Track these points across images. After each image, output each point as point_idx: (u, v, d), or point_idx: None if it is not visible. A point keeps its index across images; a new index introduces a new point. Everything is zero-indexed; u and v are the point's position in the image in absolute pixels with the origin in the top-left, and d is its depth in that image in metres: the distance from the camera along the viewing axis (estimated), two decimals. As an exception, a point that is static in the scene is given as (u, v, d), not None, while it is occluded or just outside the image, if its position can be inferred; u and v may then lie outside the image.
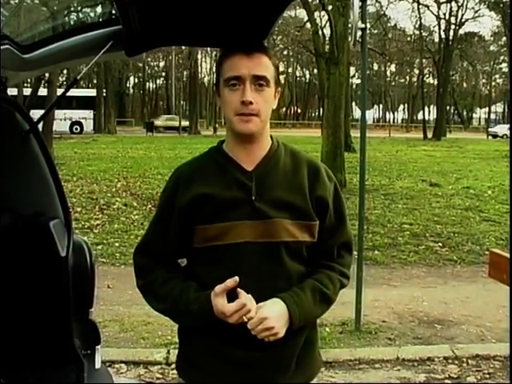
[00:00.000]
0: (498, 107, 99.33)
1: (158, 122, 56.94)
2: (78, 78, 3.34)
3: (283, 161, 2.23)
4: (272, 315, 2.05)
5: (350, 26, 14.32)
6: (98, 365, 3.42)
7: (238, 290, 2.05)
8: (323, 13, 21.83)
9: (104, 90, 54.83)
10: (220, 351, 2.19)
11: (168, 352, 5.37)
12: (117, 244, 10.19)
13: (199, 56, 66.51)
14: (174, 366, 5.05)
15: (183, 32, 2.60)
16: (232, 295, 2.06)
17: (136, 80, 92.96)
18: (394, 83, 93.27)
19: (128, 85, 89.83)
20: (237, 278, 2.04)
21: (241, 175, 2.17)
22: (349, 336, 6.04)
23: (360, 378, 5.17)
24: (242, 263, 2.12)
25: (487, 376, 5.21)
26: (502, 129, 63.78)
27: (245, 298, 2.04)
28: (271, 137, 2.28)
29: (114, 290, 7.65)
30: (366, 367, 5.34)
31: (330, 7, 18.17)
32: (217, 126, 57.73)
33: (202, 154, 2.33)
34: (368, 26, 6.59)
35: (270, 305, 2.08)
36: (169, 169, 18.73)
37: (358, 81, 47.28)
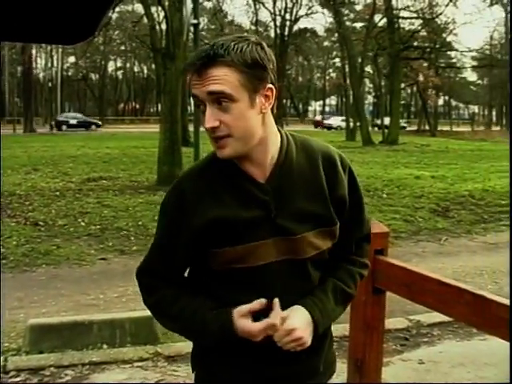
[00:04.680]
0: (332, 100, 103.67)
1: None
2: None
3: (297, 161, 1.96)
4: (299, 325, 1.90)
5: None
6: None
7: (275, 301, 1.88)
8: (160, 8, 21.73)
9: None
10: (243, 367, 2.02)
11: (5, 360, 5.17)
12: None
13: (33, 51, 64.16)
14: (11, 373, 4.95)
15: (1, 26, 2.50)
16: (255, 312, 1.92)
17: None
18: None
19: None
20: (263, 301, 1.88)
21: (256, 190, 1.91)
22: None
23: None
24: (267, 284, 1.93)
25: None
26: (336, 121, 67.05)
27: (274, 315, 1.87)
28: (280, 132, 1.98)
29: None
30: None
31: (166, 2, 18.21)
32: (53, 123, 56.07)
33: (203, 161, 2.01)
34: (205, 21, 6.66)
35: (295, 313, 1.93)
36: (3, 169, 17.95)
37: (197, 76, 47.37)
